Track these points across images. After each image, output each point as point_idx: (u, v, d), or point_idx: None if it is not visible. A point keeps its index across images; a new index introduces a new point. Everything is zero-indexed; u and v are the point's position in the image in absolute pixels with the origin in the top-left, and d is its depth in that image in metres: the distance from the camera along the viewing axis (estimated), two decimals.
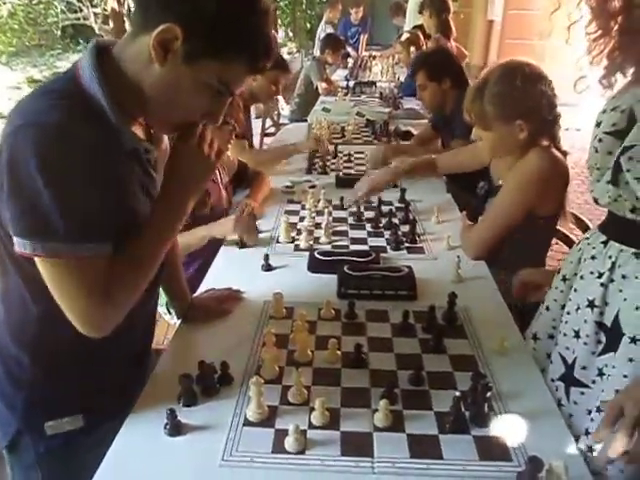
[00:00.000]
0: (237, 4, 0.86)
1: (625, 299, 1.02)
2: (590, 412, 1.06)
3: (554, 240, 2.01)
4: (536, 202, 1.57)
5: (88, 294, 0.88)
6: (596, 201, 1.10)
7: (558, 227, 1.79)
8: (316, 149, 2.58)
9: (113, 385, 1.07)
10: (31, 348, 0.99)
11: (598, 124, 1.06)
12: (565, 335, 1.16)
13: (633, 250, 1.04)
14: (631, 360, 1.00)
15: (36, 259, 0.86)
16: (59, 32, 9.81)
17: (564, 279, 1.22)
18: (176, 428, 0.98)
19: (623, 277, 1.04)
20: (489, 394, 1.00)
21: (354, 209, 1.95)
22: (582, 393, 1.10)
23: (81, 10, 8.78)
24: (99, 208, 0.86)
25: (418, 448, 0.95)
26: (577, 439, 1.00)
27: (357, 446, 0.95)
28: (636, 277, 1.02)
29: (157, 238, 0.98)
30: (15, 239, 0.84)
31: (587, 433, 1.04)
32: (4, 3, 8.30)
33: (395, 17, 7.16)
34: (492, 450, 0.95)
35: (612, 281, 1.06)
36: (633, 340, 1.00)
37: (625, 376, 1.00)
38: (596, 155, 1.06)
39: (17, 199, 0.82)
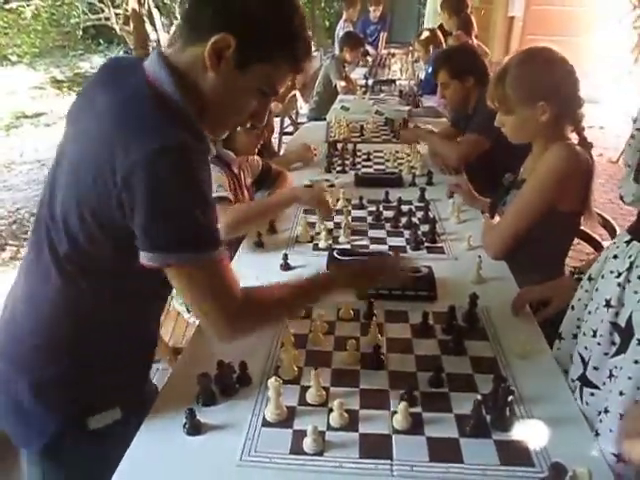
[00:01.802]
0: (282, 10, 0.93)
1: (639, 301, 1.00)
2: (600, 413, 1.03)
3: (576, 240, 1.98)
4: (556, 198, 1.54)
5: (225, 292, 0.95)
6: (622, 198, 1.08)
7: (582, 228, 1.76)
8: (302, 158, 2.54)
9: (144, 375, 1.13)
10: (67, 348, 1.00)
11: (635, 120, 1.04)
12: (585, 334, 1.15)
13: None
14: (637, 362, 0.98)
15: (169, 270, 0.91)
16: (81, 33, 9.95)
17: (590, 278, 1.20)
18: (195, 427, 0.98)
19: (639, 278, 1.02)
20: (511, 398, 0.98)
21: (374, 208, 1.94)
22: (592, 394, 1.08)
23: (103, 11, 8.90)
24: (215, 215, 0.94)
25: (438, 451, 0.94)
26: None
27: (376, 448, 0.95)
28: None
29: (300, 304, 1.20)
30: (148, 254, 0.88)
31: (597, 434, 1.02)
32: (28, 5, 8.44)
33: None
34: (514, 455, 0.93)
35: (629, 281, 1.04)
36: None
37: (629, 378, 0.98)
38: (628, 151, 1.05)
39: (161, 217, 0.86)
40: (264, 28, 0.91)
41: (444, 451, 0.94)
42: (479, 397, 0.98)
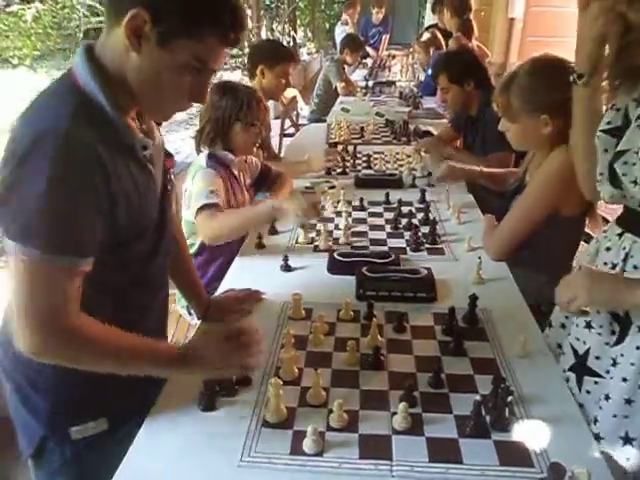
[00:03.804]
0: None
1: None
2: (599, 401, 1.07)
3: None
4: (559, 201, 1.54)
5: (60, 303, 0.87)
6: (604, 199, 1.11)
7: (587, 231, 1.76)
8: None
9: (132, 386, 1.05)
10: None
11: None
12: (577, 326, 1.17)
13: None
14: (638, 348, 1.02)
15: (11, 259, 0.86)
16: (82, 35, 9.96)
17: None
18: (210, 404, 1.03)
19: (635, 267, 1.05)
20: (510, 398, 0.99)
21: (371, 209, 1.94)
22: (596, 383, 1.11)
23: (103, 14, 8.90)
24: (88, 224, 0.87)
25: (437, 452, 0.94)
26: None
27: (375, 449, 0.95)
28: None
29: (134, 361, 0.96)
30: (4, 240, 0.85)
31: (596, 422, 1.05)
32: (29, 8, 8.45)
33: None
34: (513, 455, 0.93)
35: (624, 272, 1.07)
36: None
37: (632, 364, 1.02)
38: (598, 155, 1.08)
39: (14, 202, 0.83)
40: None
41: (444, 451, 0.94)
42: (478, 398, 0.98)
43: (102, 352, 0.93)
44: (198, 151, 1.87)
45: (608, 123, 1.06)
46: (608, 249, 1.14)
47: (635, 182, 0.98)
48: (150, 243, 1.05)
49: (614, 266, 1.10)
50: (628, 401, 1.02)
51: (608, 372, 1.08)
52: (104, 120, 0.90)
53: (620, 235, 1.11)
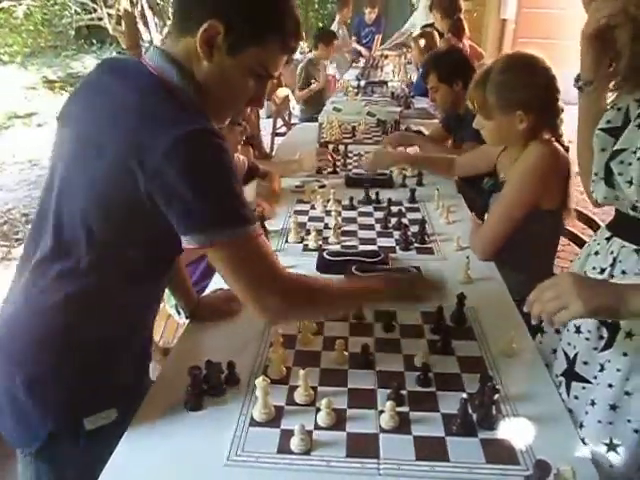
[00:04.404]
0: None
1: None
2: (586, 406, 1.06)
3: (566, 241, 2.00)
4: (539, 195, 1.56)
5: (271, 264, 0.98)
6: (596, 201, 1.10)
7: (567, 226, 1.77)
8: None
9: (137, 375, 1.11)
10: (61, 345, 1.00)
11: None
12: (568, 330, 1.17)
13: (634, 247, 1.04)
14: (625, 354, 1.01)
15: (213, 250, 0.93)
16: (73, 33, 9.91)
17: None
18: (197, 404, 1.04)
19: (623, 273, 1.05)
20: (497, 396, 0.99)
21: (362, 209, 1.94)
22: (584, 388, 1.10)
23: (95, 11, 8.85)
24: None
25: (424, 450, 0.94)
26: None
27: (362, 447, 0.95)
28: (635, 273, 1.02)
29: (349, 303, 1.19)
30: (193, 236, 0.90)
31: (581, 427, 1.05)
32: (20, 4, 8.39)
33: None
34: (499, 453, 0.94)
35: (612, 277, 1.06)
36: (628, 335, 1.01)
37: (618, 370, 1.01)
38: (595, 155, 1.07)
39: (203, 198, 0.88)
40: (251, 10, 0.93)
41: (430, 450, 0.95)
42: (465, 396, 0.99)
43: (325, 298, 1.09)
44: None
45: (608, 122, 1.05)
46: (597, 253, 1.13)
47: (630, 182, 0.98)
48: None
49: (602, 271, 1.09)
50: (613, 407, 1.01)
51: (595, 378, 1.08)
52: (204, 116, 0.95)
53: (608, 239, 1.11)
